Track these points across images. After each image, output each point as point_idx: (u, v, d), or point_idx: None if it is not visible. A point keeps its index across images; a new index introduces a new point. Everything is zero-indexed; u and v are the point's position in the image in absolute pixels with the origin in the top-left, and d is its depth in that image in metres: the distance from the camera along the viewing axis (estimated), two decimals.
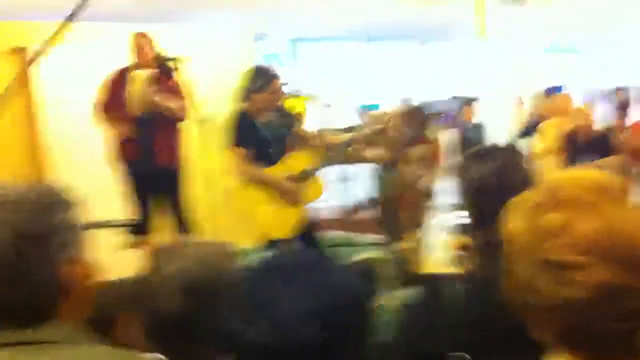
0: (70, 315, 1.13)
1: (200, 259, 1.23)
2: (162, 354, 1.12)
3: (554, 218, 0.87)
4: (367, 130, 4.09)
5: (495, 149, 1.55)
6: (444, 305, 1.38)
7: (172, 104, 4.42)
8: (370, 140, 4.21)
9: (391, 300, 4.69)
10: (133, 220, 4.49)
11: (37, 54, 2.45)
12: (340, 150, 4.02)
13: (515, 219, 0.93)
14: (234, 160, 3.87)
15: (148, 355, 1.18)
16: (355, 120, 7.10)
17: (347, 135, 4.21)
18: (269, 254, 1.04)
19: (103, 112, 4.55)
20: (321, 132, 3.94)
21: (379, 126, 4.16)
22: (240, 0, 7.95)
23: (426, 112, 4.55)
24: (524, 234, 0.90)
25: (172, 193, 4.58)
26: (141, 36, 4.59)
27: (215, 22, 8.68)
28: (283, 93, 4.03)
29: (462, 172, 1.49)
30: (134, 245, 4.35)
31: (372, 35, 12.44)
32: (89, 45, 5.49)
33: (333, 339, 0.91)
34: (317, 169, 4.06)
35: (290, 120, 4.16)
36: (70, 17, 2.39)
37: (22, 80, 5.13)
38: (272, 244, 3.86)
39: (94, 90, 4.74)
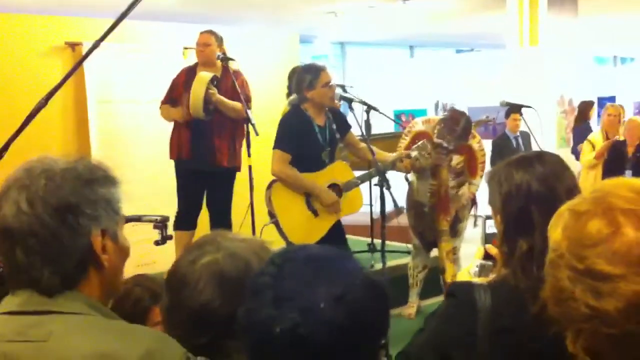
0: (94, 290, 1.15)
1: (233, 252, 1.25)
2: (189, 346, 1.13)
3: (595, 226, 0.86)
4: (415, 151, 3.98)
5: (541, 155, 1.53)
6: (471, 314, 1.37)
7: (232, 104, 4.45)
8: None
9: (423, 308, 4.68)
10: (179, 213, 4.56)
11: (90, 50, 2.51)
12: (388, 168, 3.93)
13: (558, 227, 0.92)
14: (276, 160, 3.78)
15: (152, 331, 1.20)
16: (391, 125, 7.05)
17: (395, 155, 4.10)
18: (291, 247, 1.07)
19: (165, 105, 4.63)
20: (370, 144, 3.84)
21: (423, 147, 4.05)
22: (286, 3, 8.04)
23: (471, 120, 4.47)
24: (565, 241, 0.90)
25: (220, 193, 4.61)
26: (210, 33, 4.62)
27: (260, 24, 8.78)
28: (334, 86, 3.88)
29: (504, 178, 1.47)
30: (178, 240, 4.42)
31: (417, 42, 12.42)
32: (139, 44, 5.61)
33: (357, 325, 0.93)
34: (360, 182, 3.97)
35: (345, 125, 4.06)
36: (123, 15, 2.45)
37: (76, 75, 5.29)
38: None
39: (142, 88, 4.85)
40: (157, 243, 2.62)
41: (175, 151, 4.60)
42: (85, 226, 1.12)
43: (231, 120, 4.50)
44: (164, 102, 4.66)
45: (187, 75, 4.58)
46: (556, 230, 0.92)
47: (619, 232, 0.85)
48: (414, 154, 3.99)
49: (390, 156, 4.08)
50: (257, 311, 0.93)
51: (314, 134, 3.81)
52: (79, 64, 2.40)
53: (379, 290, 0.99)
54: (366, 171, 4.06)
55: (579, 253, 0.87)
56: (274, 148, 3.81)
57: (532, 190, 1.41)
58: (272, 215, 3.82)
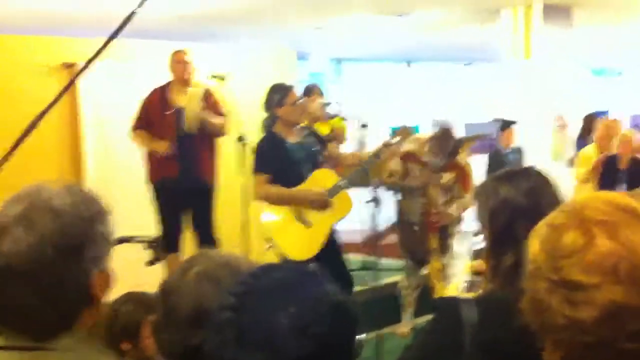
0: (85, 324, 1.14)
1: (225, 261, 1.25)
2: (183, 349, 1.13)
3: (571, 237, 0.88)
4: (395, 146, 3.99)
5: (524, 171, 1.55)
6: (457, 328, 1.38)
7: (216, 120, 4.49)
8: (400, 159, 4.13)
9: (417, 326, 4.66)
10: (163, 236, 4.54)
11: (81, 70, 2.53)
12: (369, 163, 3.96)
13: (536, 240, 0.93)
14: (257, 184, 3.87)
15: None
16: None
17: (376, 149, 4.14)
18: (254, 272, 1.02)
19: (140, 130, 4.61)
20: (353, 153, 3.90)
21: (406, 142, 4.06)
22: (283, 20, 8.09)
23: (460, 137, 4.49)
24: (542, 253, 0.91)
25: (205, 210, 4.62)
26: (184, 53, 4.65)
27: (258, 40, 8.82)
28: (303, 104, 3.99)
29: (490, 192, 1.48)
30: (163, 261, 4.40)
31: (412, 56, 12.48)
32: (134, 62, 5.63)
33: (324, 353, 0.92)
34: (346, 185, 3.99)
35: (321, 140, 4.15)
36: (114, 35, 2.47)
37: (69, 95, 5.31)
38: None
39: (137, 107, 4.84)
40: (149, 263, 2.63)
41: (158, 172, 4.55)
42: (87, 269, 1.10)
43: (210, 136, 4.57)
44: (137, 128, 4.61)
45: (160, 95, 4.58)
46: (534, 244, 0.94)
47: (593, 243, 0.86)
48: (395, 140, 4.00)
49: (371, 157, 4.12)
50: (222, 350, 0.92)
51: (287, 151, 3.91)
52: (70, 84, 2.42)
53: (346, 313, 0.97)
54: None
55: (554, 264, 0.88)
56: (253, 173, 3.90)
57: (517, 204, 1.43)
58: (268, 240, 3.89)
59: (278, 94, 3.93)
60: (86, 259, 1.09)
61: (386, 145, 3.98)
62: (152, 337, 1.30)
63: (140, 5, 2.44)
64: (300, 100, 3.98)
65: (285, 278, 0.98)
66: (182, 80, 4.58)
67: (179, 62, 4.60)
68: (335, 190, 3.91)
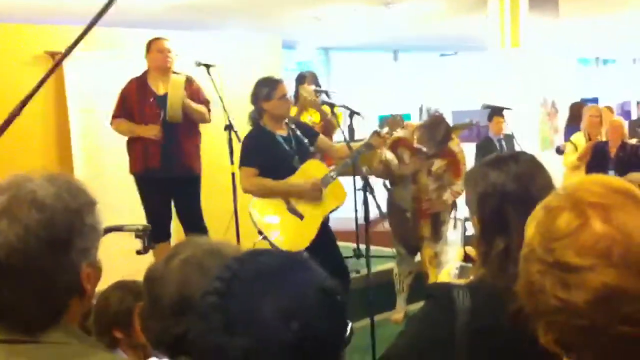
0: (73, 317, 1.12)
1: (210, 248, 1.24)
2: (170, 337, 1.12)
3: (565, 219, 0.87)
4: (386, 134, 3.94)
5: (515, 155, 1.54)
6: (449, 314, 1.37)
7: (199, 108, 4.46)
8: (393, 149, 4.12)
9: (410, 313, 4.69)
10: (151, 226, 4.50)
11: (62, 57, 2.50)
12: (359, 153, 3.92)
13: (532, 223, 0.93)
14: (242, 177, 3.84)
15: None
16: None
17: (366, 139, 4.10)
18: (239, 258, 0.99)
19: (120, 119, 4.55)
20: (343, 144, 3.85)
21: (398, 130, 4.02)
22: (270, 9, 8.05)
23: (452, 124, 4.48)
24: (537, 236, 0.91)
25: (191, 199, 4.58)
26: (164, 41, 4.59)
27: (246, 30, 8.77)
28: (290, 99, 3.94)
29: (480, 178, 1.47)
30: (152, 251, 4.38)
31: (400, 46, 12.47)
32: (123, 52, 5.58)
33: (312, 341, 0.90)
34: (337, 173, 3.95)
35: (312, 133, 4.10)
36: (93, 22, 2.42)
37: (56, 85, 5.25)
38: None
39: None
40: (139, 252, 2.61)
41: (141, 162, 4.50)
42: (75, 260, 1.08)
43: (195, 125, 4.52)
44: (116, 116, 4.56)
45: (138, 85, 4.52)
46: (530, 227, 0.94)
47: (587, 225, 0.85)
48: (384, 130, 3.98)
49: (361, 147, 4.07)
50: (207, 336, 0.91)
51: (278, 144, 3.85)
52: (50, 73, 2.38)
53: (334, 300, 0.95)
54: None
55: (548, 246, 0.88)
56: (239, 167, 3.87)
57: (507, 189, 1.42)
58: (260, 232, 3.83)
59: (266, 88, 3.87)
60: (74, 250, 1.07)
61: (376, 134, 3.94)
62: (140, 327, 1.29)
63: None
64: (287, 96, 3.91)
65: (272, 263, 0.96)
66: (163, 68, 4.53)
67: (160, 50, 4.53)
68: (326, 181, 3.88)
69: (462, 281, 1.52)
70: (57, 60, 2.59)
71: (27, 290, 1.04)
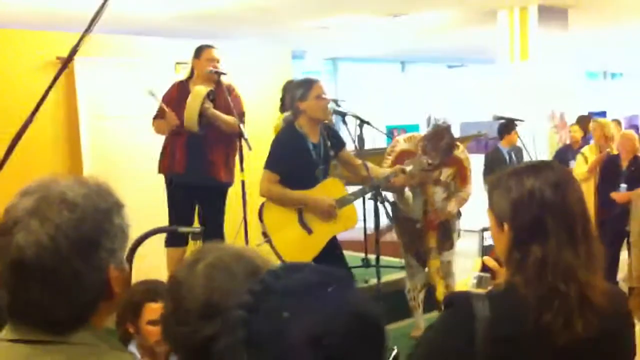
0: (100, 319, 1.11)
1: (236, 253, 1.22)
2: (199, 339, 1.11)
3: None
4: (410, 170, 3.94)
5: (548, 164, 1.51)
6: (468, 323, 1.35)
7: (226, 118, 4.42)
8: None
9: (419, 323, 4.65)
10: (175, 230, 4.48)
11: (65, 62, 2.52)
12: (382, 183, 3.88)
13: None
14: (264, 179, 3.73)
15: None
16: (383, 140, 7.04)
17: (390, 171, 4.05)
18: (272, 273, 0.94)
19: (159, 119, 4.53)
20: (366, 165, 3.77)
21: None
22: (279, 19, 8.07)
23: (460, 135, 4.46)
24: None
25: (213, 208, 4.53)
26: (213, 50, 4.55)
27: (255, 39, 8.80)
28: (328, 99, 3.77)
29: (513, 184, 1.44)
30: (171, 258, 4.37)
31: (408, 58, 12.49)
32: (131, 59, 5.60)
33: None
34: (354, 198, 3.90)
35: (339, 142, 3.99)
36: (91, 25, 2.45)
37: (68, 91, 5.28)
38: None
39: (134, 103, 4.81)
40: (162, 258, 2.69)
41: (167, 164, 4.50)
42: (104, 262, 1.07)
43: (225, 135, 4.46)
44: (156, 117, 4.59)
45: (179, 90, 4.53)
46: None
47: None
48: (408, 168, 3.97)
49: (385, 172, 4.04)
50: (230, 350, 0.87)
51: (307, 151, 3.75)
52: (56, 78, 2.42)
53: (369, 325, 0.89)
54: (360, 187, 3.98)
55: None
56: (264, 167, 3.76)
57: (546, 197, 1.39)
58: (265, 234, 3.77)
59: (301, 88, 3.75)
60: (102, 252, 1.07)
61: (401, 172, 3.93)
62: (161, 332, 1.27)
63: None
64: (325, 96, 3.77)
65: (306, 281, 0.90)
66: (210, 78, 4.49)
67: (209, 59, 4.51)
68: (343, 202, 3.83)
69: (480, 290, 1.50)
70: (61, 67, 2.61)
71: (54, 290, 1.03)
